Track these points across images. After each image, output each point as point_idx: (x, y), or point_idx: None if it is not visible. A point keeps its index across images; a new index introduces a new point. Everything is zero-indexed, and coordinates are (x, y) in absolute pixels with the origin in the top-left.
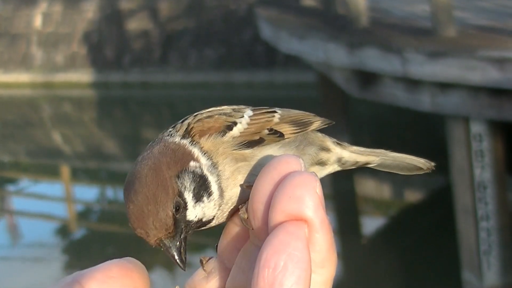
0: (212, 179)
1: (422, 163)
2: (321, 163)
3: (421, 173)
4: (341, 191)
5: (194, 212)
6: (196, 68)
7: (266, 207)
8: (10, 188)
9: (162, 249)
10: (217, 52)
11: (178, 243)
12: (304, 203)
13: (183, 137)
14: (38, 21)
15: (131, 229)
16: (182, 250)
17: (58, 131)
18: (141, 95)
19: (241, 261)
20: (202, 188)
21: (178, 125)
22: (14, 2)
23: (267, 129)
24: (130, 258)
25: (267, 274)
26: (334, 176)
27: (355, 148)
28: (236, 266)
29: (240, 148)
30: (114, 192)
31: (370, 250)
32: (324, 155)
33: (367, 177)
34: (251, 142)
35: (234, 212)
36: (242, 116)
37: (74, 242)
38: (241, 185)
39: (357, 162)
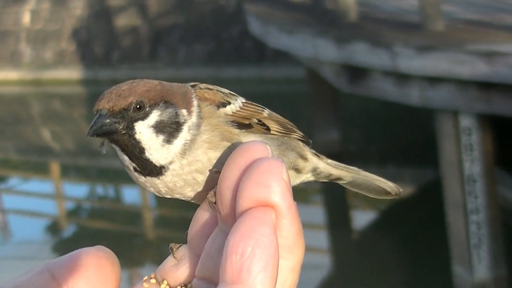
0: (185, 135)
1: (390, 187)
2: (297, 170)
3: (389, 197)
4: (330, 185)
5: (144, 132)
6: (185, 63)
7: (234, 193)
8: (0, 186)
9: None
10: (206, 47)
11: (107, 121)
12: (270, 189)
13: (195, 92)
14: (26, 18)
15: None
16: (103, 128)
17: (47, 128)
18: None
19: (210, 248)
20: (168, 130)
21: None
22: None
23: (256, 118)
24: (101, 246)
25: (234, 260)
26: None
27: (330, 161)
28: (205, 253)
29: (230, 126)
30: (104, 189)
31: (361, 244)
32: (300, 163)
33: None
34: (241, 124)
35: (202, 195)
36: (236, 100)
37: (65, 239)
38: (210, 170)
39: (330, 174)
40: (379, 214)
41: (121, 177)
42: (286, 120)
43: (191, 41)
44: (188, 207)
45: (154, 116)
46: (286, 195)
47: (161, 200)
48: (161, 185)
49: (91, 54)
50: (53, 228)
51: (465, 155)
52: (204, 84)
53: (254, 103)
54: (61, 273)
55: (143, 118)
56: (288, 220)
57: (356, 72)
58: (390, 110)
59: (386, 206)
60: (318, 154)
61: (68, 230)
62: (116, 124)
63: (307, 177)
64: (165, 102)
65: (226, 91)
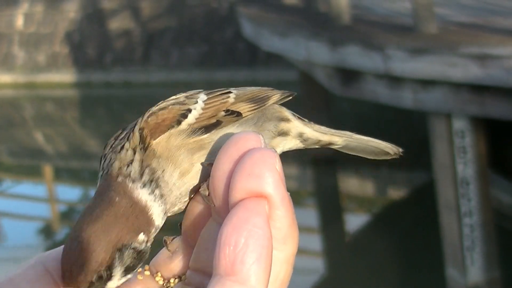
0: (149, 240)
1: (389, 147)
2: (283, 134)
3: (389, 158)
4: (324, 188)
5: (116, 282)
6: (178, 66)
7: (227, 185)
8: None
9: None
10: (199, 50)
11: None
12: (263, 180)
13: (141, 177)
14: (19, 21)
15: None
16: None
17: (40, 131)
18: (124, 94)
19: (204, 239)
20: (137, 261)
21: (131, 135)
22: None
23: (224, 110)
24: None
25: (228, 252)
26: (317, 172)
27: (318, 127)
28: (199, 244)
29: (196, 134)
30: None
31: (354, 247)
32: (284, 125)
33: (350, 174)
34: (208, 126)
35: (196, 190)
36: (196, 102)
37: (58, 242)
38: (202, 163)
39: (319, 140)
40: (372, 217)
41: None
42: (256, 90)
43: (184, 44)
44: (182, 212)
45: (117, 273)
46: (279, 185)
47: None
48: None
49: (84, 57)
50: (46, 231)
51: (458, 157)
52: (157, 105)
53: (217, 93)
54: (56, 266)
55: (106, 281)
56: (282, 211)
57: (349, 75)
58: (383, 113)
59: (379, 209)
60: (302, 118)
61: (61, 233)
62: None
63: (296, 143)
64: (119, 250)
65: (183, 97)
